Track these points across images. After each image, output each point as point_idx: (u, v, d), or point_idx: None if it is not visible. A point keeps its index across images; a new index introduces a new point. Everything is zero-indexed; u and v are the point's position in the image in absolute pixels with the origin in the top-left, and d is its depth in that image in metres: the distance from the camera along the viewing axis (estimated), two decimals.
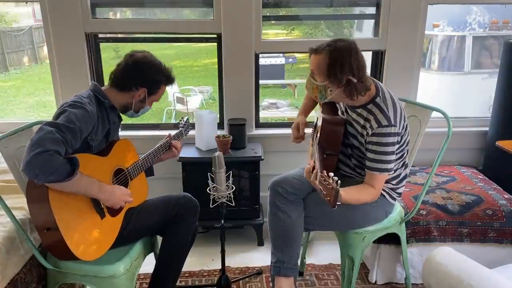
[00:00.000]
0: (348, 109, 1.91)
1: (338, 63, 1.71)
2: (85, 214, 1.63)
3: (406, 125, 1.86)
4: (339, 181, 1.50)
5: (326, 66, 1.73)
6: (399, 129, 1.77)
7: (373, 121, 1.78)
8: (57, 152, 1.44)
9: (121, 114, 1.88)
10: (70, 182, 1.48)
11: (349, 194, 1.72)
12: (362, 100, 1.82)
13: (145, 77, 1.78)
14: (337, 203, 1.54)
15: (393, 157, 1.79)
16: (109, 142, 1.83)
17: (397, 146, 1.79)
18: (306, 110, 2.18)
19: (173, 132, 2.14)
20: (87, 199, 1.63)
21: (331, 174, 1.54)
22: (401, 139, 1.82)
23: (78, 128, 1.55)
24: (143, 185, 1.96)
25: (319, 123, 1.95)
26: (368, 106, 1.82)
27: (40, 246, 1.84)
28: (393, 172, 1.86)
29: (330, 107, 2.04)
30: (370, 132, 1.78)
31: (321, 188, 1.55)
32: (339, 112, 2.01)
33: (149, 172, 2.03)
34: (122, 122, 2.94)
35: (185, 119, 2.22)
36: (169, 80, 1.86)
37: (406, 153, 1.94)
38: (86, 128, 1.60)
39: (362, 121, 1.83)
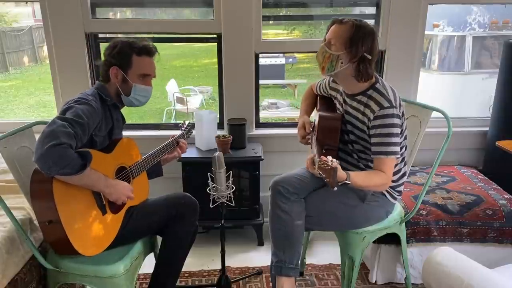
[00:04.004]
0: (346, 99, 1.92)
1: (361, 37, 1.74)
2: (87, 209, 1.64)
3: (403, 113, 1.87)
4: (336, 161, 1.54)
5: (349, 37, 1.75)
6: (399, 111, 1.79)
7: (374, 105, 1.79)
8: (70, 146, 1.48)
9: (124, 106, 1.89)
10: (80, 176, 1.51)
11: (358, 175, 1.74)
12: (363, 86, 1.84)
13: (111, 56, 1.78)
14: (339, 183, 1.59)
15: (398, 139, 1.78)
16: (112, 140, 1.84)
17: (400, 129, 1.79)
18: (307, 111, 2.19)
19: (175, 134, 2.14)
20: (90, 195, 1.65)
21: (329, 157, 1.56)
22: (402, 125, 1.83)
23: (87, 123, 1.59)
24: (144, 184, 1.96)
25: (317, 122, 1.96)
26: (368, 92, 1.83)
27: (40, 246, 1.85)
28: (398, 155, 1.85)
29: (327, 106, 2.05)
30: (372, 117, 1.78)
31: (320, 172, 1.56)
32: (337, 104, 2.01)
33: (158, 172, 2.05)
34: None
35: (187, 122, 2.22)
36: (142, 49, 1.79)
37: (405, 148, 1.94)
38: (92, 124, 1.64)
39: (362, 108, 1.83)
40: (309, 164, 1.67)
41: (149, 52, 1.80)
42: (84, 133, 1.58)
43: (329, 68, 1.82)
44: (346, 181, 1.67)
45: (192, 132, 2.24)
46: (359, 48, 1.74)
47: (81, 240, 1.59)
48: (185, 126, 2.19)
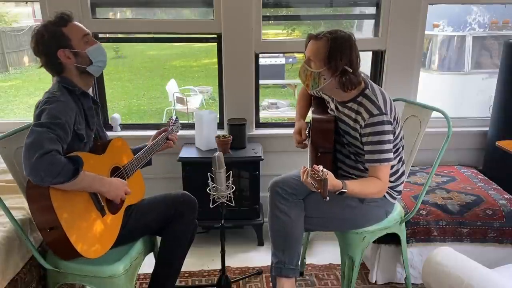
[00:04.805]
0: (338, 106, 1.92)
1: (338, 51, 1.73)
2: (87, 211, 1.63)
3: (397, 118, 1.86)
4: (327, 172, 1.54)
5: (326, 53, 1.74)
6: (390, 117, 1.78)
7: (364, 113, 1.78)
8: (57, 152, 1.45)
9: (93, 78, 1.82)
10: (74, 181, 1.49)
11: (354, 184, 1.73)
12: (352, 93, 1.83)
13: (47, 45, 1.68)
14: (336, 192, 1.61)
15: (391, 146, 1.78)
16: (102, 141, 1.83)
17: (391, 136, 1.79)
18: (302, 115, 2.18)
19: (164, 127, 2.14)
20: (87, 197, 1.64)
21: (320, 167, 1.56)
22: (394, 130, 1.82)
23: (65, 121, 1.54)
24: (140, 182, 1.96)
25: (310, 125, 1.96)
26: (358, 99, 1.83)
27: (40, 246, 1.85)
28: (392, 161, 1.85)
29: (321, 109, 2.05)
30: (363, 124, 1.78)
31: (312, 182, 1.57)
32: (329, 109, 2.01)
33: (148, 162, 2.02)
34: (122, 122, 2.98)
35: (174, 118, 2.21)
36: (63, 19, 1.68)
37: (401, 148, 1.94)
38: (70, 119, 1.59)
39: (353, 115, 1.83)
40: (304, 177, 1.66)
41: (70, 16, 1.71)
42: (66, 133, 1.54)
43: (313, 85, 1.82)
44: (342, 190, 1.67)
45: (180, 126, 2.21)
46: (338, 62, 1.73)
47: (83, 243, 1.58)
48: (172, 121, 2.18)
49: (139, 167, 1.92)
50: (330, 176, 1.60)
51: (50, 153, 1.42)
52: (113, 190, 1.67)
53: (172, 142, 2.09)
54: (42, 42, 1.68)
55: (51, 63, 1.72)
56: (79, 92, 1.73)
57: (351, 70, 1.75)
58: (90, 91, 1.84)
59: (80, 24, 1.74)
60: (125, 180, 1.83)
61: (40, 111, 1.56)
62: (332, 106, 1.97)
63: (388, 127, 1.76)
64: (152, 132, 2.89)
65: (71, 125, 1.59)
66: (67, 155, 1.50)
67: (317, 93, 2.11)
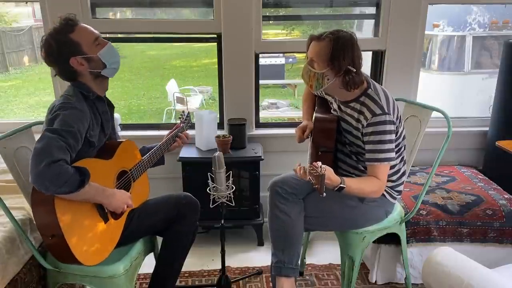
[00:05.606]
0: (341, 106, 1.92)
1: (341, 51, 1.73)
2: (89, 219, 1.62)
3: (400, 117, 1.86)
4: (325, 168, 1.54)
5: (329, 53, 1.74)
6: (393, 117, 1.78)
7: (366, 112, 1.79)
8: (65, 161, 1.43)
9: (108, 80, 1.78)
10: (78, 192, 1.47)
11: (352, 181, 1.73)
12: (355, 93, 1.84)
13: (57, 54, 1.64)
14: (335, 188, 1.63)
15: (392, 146, 1.78)
16: (112, 143, 1.82)
17: (393, 135, 1.79)
18: (309, 114, 2.18)
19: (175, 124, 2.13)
20: (91, 204, 1.63)
21: (319, 163, 1.56)
22: (397, 129, 1.82)
23: (77, 130, 1.53)
24: (145, 185, 1.96)
25: (312, 124, 1.97)
26: (361, 99, 1.83)
27: (40, 246, 1.85)
28: (393, 161, 1.85)
29: (324, 108, 2.05)
30: (365, 124, 1.78)
31: (310, 178, 1.57)
32: (332, 110, 2.01)
33: (160, 162, 2.03)
34: (122, 122, 2.98)
35: (186, 113, 2.20)
36: (69, 25, 1.64)
37: (403, 148, 1.94)
38: (83, 127, 1.57)
39: (356, 115, 1.83)
40: (302, 173, 1.66)
41: (74, 21, 1.66)
42: (77, 141, 1.52)
43: (316, 86, 1.83)
44: (341, 185, 1.67)
45: (190, 123, 2.20)
46: (341, 62, 1.74)
47: (84, 252, 1.58)
48: (184, 117, 2.17)
49: (147, 169, 1.91)
50: (328, 171, 1.61)
51: (58, 163, 1.41)
52: (115, 202, 1.65)
53: (182, 140, 2.07)
54: (51, 52, 1.64)
55: (65, 72, 1.69)
56: (94, 96, 1.71)
57: (354, 70, 1.75)
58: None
59: (87, 27, 1.70)
60: (131, 183, 1.83)
61: (54, 116, 1.55)
62: (335, 106, 1.97)
63: (390, 127, 1.76)
64: (151, 132, 2.93)
65: (83, 133, 1.58)
66: (74, 165, 1.48)
67: (320, 93, 2.12)
